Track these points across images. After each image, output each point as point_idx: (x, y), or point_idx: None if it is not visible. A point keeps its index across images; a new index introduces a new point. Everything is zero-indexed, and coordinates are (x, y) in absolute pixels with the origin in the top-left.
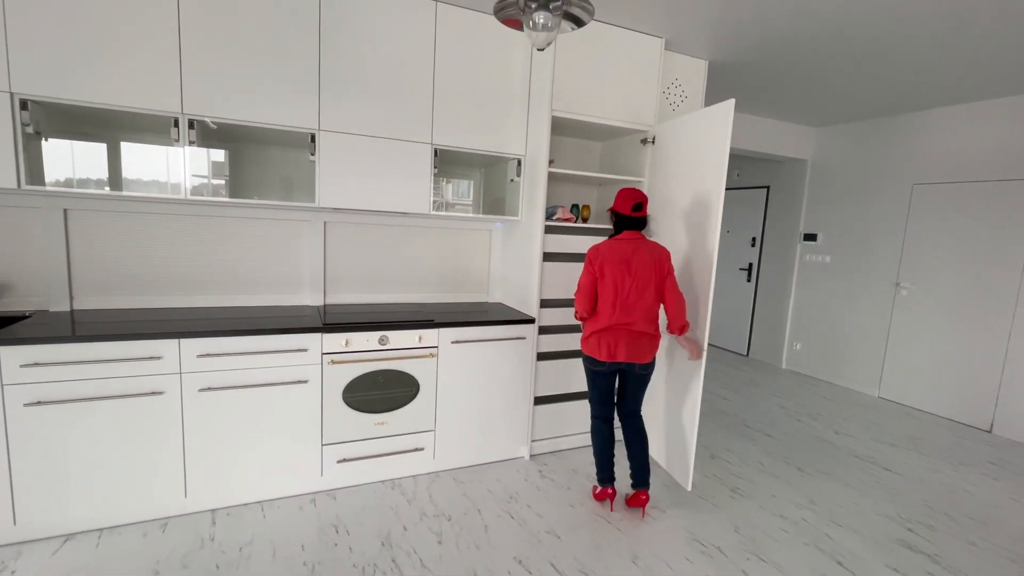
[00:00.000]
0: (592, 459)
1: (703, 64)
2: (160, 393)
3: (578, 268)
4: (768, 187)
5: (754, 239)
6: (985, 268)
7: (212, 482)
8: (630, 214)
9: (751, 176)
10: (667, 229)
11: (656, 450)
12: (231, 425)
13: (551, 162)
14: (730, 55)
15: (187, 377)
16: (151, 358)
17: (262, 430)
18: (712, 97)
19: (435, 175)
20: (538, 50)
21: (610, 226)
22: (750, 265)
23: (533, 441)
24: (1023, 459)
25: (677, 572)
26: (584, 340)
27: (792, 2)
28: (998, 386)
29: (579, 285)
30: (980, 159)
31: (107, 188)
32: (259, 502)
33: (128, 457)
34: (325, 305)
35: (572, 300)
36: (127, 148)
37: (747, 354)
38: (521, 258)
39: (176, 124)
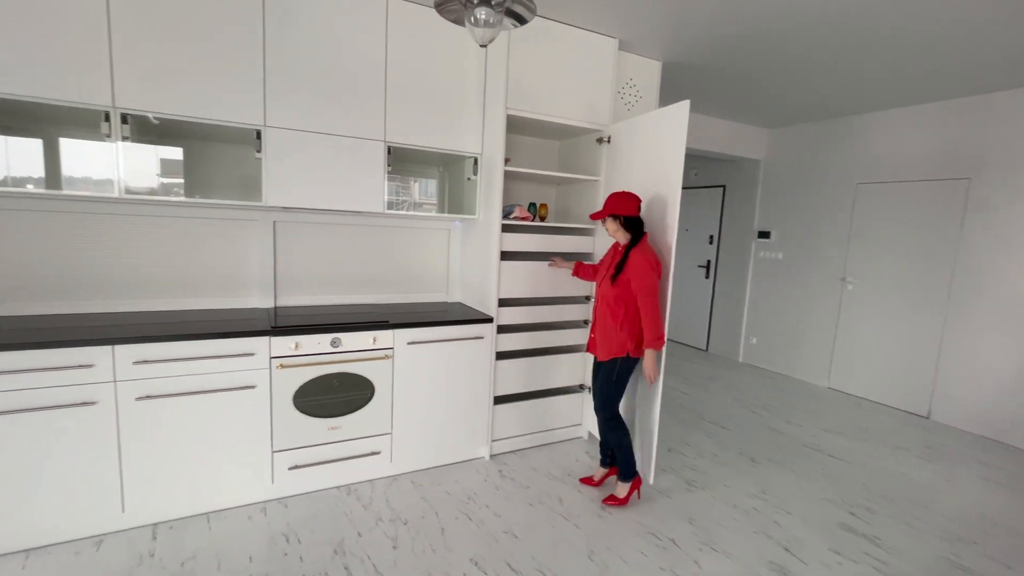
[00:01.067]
0: (555, 458)
1: (657, 65)
2: (92, 403)
3: (537, 267)
4: (724, 186)
5: (711, 237)
6: (921, 263)
7: (152, 495)
8: (638, 214)
9: (708, 175)
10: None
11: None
12: (173, 434)
13: (507, 161)
14: (683, 56)
15: (123, 385)
16: (81, 366)
17: (207, 438)
18: (666, 98)
19: (389, 173)
20: (481, 46)
21: (570, 225)
22: (708, 262)
23: (493, 441)
24: (956, 443)
25: (631, 566)
26: (662, 340)
27: (740, 9)
28: (934, 374)
29: (653, 292)
30: (917, 160)
31: (30, 186)
32: (204, 514)
33: (58, 472)
34: (276, 307)
35: (534, 299)
36: (51, 144)
37: (706, 349)
38: (479, 257)
39: (107, 119)
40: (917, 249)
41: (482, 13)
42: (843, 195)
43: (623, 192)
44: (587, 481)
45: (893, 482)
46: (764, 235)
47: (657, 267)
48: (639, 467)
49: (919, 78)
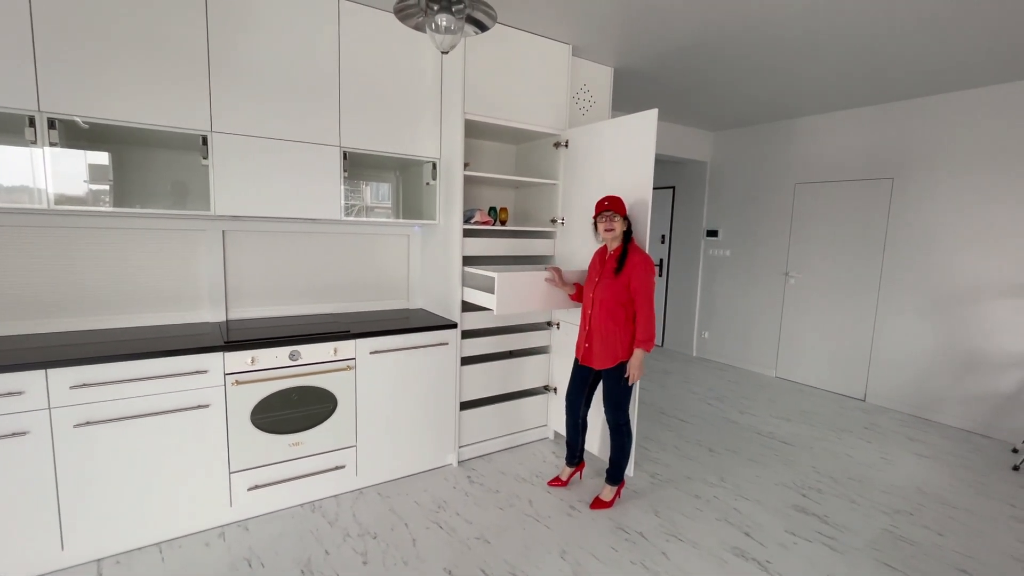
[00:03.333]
0: (522, 460)
1: (609, 71)
2: (23, 434)
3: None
4: (674, 187)
5: (663, 236)
6: (855, 256)
7: (96, 528)
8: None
9: (659, 177)
10: (583, 229)
11: (592, 443)
12: (118, 462)
13: (466, 165)
14: (634, 63)
15: (58, 412)
16: (9, 394)
17: (157, 463)
18: (618, 103)
19: (345, 179)
20: (442, 53)
21: (531, 229)
22: (661, 261)
23: (461, 447)
24: (889, 422)
25: (603, 561)
26: (653, 341)
27: (685, 16)
28: (868, 359)
29: (652, 294)
30: (849, 160)
31: None
32: (156, 544)
33: None
34: (228, 321)
35: None
36: None
37: (662, 344)
38: (441, 262)
39: (32, 124)
40: (851, 244)
41: (443, 20)
42: (783, 194)
43: (613, 196)
44: (556, 483)
45: (838, 462)
46: (712, 234)
47: (653, 267)
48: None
49: (852, 84)
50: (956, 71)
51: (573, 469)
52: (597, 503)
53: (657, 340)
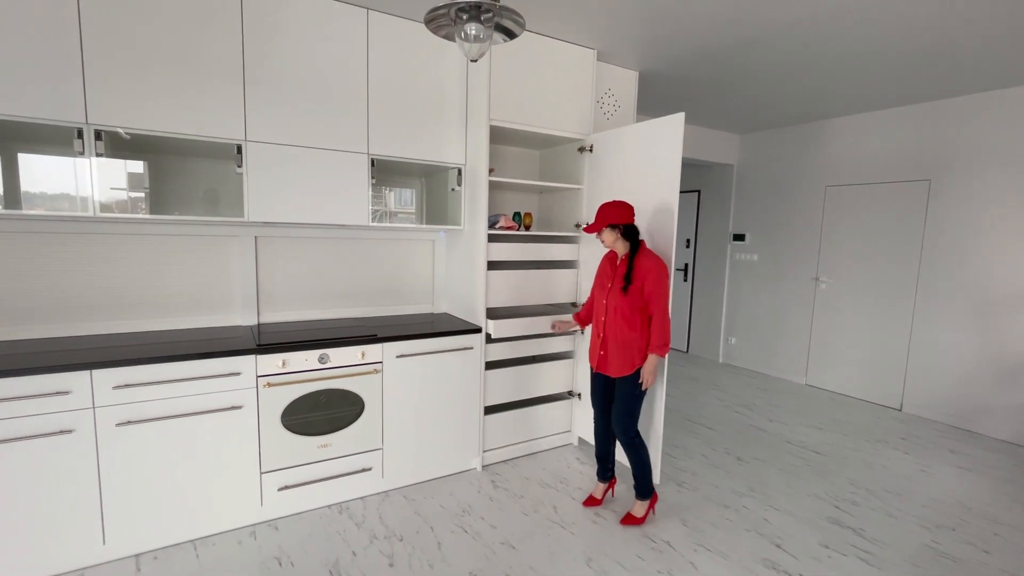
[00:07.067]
0: (547, 465)
1: (634, 75)
2: (69, 432)
3: (524, 276)
4: (699, 191)
5: (688, 240)
6: (889, 261)
7: (135, 524)
8: (634, 222)
9: (684, 180)
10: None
11: (622, 453)
12: (156, 460)
13: (491, 171)
14: (659, 66)
15: (101, 411)
16: (57, 393)
17: (193, 462)
18: (643, 106)
19: (373, 185)
20: (471, 61)
21: (555, 234)
22: (686, 265)
23: (485, 451)
24: (928, 433)
25: (630, 570)
26: (668, 346)
27: (715, 19)
28: (905, 367)
29: (668, 298)
30: (882, 162)
31: (0, 207)
32: (191, 540)
33: (34, 505)
34: (259, 325)
35: (520, 308)
36: (24, 161)
37: (687, 351)
38: (465, 267)
39: (80, 135)
40: (885, 248)
41: (472, 28)
42: (813, 198)
43: (616, 201)
44: (591, 502)
45: (874, 474)
46: (739, 238)
47: (666, 270)
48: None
49: (883, 84)
50: (998, 68)
51: (606, 486)
52: (628, 519)
53: (682, 346)
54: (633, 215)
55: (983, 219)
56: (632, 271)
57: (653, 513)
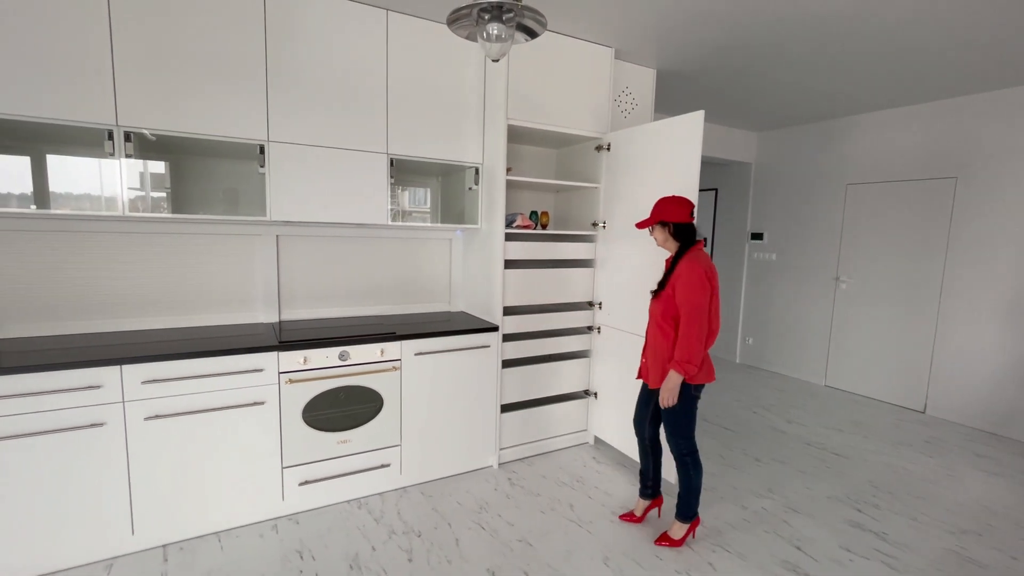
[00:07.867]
0: (563, 464)
1: (651, 72)
2: (101, 425)
3: (540, 275)
4: (716, 189)
5: (705, 239)
6: (913, 260)
7: (163, 515)
8: (691, 220)
9: (702, 179)
10: (625, 233)
11: (668, 470)
12: (182, 453)
13: (509, 170)
14: (676, 64)
15: (131, 406)
16: (89, 387)
17: (217, 456)
18: (660, 104)
19: (392, 185)
20: (493, 61)
21: (572, 232)
22: None
23: (501, 449)
24: (953, 436)
25: (647, 569)
26: (701, 367)
27: (732, 16)
28: (929, 369)
29: (699, 309)
30: (906, 160)
31: (33, 206)
32: (216, 533)
33: (67, 496)
34: (280, 322)
35: (537, 306)
36: (54, 162)
37: None
38: (482, 266)
39: (110, 137)
40: (908, 247)
41: (494, 29)
42: (833, 196)
43: (674, 196)
44: (628, 518)
45: (896, 477)
46: (757, 237)
47: (707, 281)
48: (664, 488)
49: (907, 80)
50: None
51: (648, 503)
52: (664, 538)
53: None
54: (689, 213)
55: (1012, 217)
56: (671, 274)
57: (693, 537)
